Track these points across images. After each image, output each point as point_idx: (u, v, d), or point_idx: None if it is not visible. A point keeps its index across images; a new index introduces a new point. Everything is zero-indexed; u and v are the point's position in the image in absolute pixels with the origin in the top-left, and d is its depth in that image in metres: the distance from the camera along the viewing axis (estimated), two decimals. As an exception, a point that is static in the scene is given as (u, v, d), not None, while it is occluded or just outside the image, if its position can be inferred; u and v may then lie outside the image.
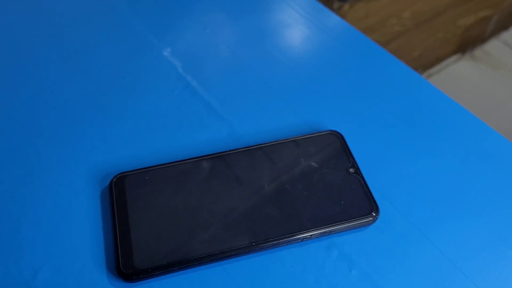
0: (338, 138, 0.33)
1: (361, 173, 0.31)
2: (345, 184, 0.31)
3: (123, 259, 0.27)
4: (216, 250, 0.27)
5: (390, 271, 0.28)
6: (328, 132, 0.33)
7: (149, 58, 0.40)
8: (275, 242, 0.28)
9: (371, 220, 0.29)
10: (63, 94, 0.37)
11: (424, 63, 1.33)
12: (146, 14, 0.44)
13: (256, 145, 0.33)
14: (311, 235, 0.28)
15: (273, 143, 0.33)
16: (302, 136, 0.33)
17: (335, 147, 0.33)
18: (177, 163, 0.31)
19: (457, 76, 1.37)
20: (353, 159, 0.32)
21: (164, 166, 0.31)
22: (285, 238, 0.28)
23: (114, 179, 0.30)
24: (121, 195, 0.29)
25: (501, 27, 1.47)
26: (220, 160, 0.32)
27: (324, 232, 0.29)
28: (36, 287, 0.27)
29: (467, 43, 1.40)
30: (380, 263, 0.28)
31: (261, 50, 0.41)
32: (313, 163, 0.32)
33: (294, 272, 0.28)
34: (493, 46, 1.45)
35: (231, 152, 0.32)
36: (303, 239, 0.29)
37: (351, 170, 0.31)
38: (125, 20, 0.43)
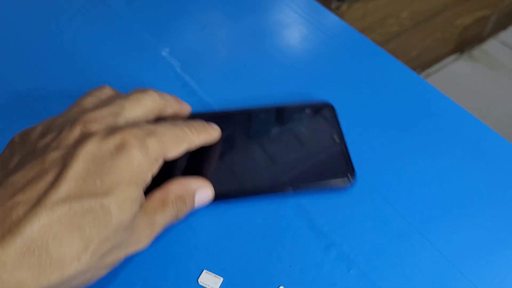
0: (328, 109, 0.35)
1: (344, 141, 0.33)
2: (328, 149, 0.33)
3: None
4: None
5: (388, 271, 0.28)
6: (320, 102, 0.36)
7: (148, 58, 0.40)
8: (261, 190, 0.31)
9: (347, 181, 0.31)
10: (62, 94, 0.37)
11: (422, 63, 1.33)
12: (144, 15, 0.44)
13: (249, 108, 0.35)
14: (292, 189, 0.31)
15: (266, 107, 0.35)
16: (295, 104, 0.35)
17: (324, 117, 0.35)
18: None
19: (455, 75, 1.37)
20: (339, 128, 0.34)
21: None
22: (271, 188, 0.31)
23: None
24: None
25: (499, 27, 1.47)
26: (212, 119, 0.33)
27: (301, 188, 0.31)
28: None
29: (465, 43, 1.41)
30: (379, 263, 0.29)
31: (259, 50, 0.41)
32: (301, 128, 0.34)
33: (293, 271, 0.28)
34: (491, 45, 1.46)
35: (226, 113, 0.34)
36: (285, 190, 0.31)
37: (336, 138, 0.33)
38: (123, 21, 0.43)
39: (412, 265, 0.28)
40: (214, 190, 0.29)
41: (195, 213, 0.30)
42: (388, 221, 0.30)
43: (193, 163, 0.31)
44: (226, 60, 0.40)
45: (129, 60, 0.40)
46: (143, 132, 0.24)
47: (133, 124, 0.25)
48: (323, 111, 0.35)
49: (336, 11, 0.89)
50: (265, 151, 0.32)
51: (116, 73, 0.39)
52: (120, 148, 0.23)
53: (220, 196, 0.30)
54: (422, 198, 0.32)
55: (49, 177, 0.22)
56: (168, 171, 0.29)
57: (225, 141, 0.32)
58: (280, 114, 0.35)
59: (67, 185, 0.21)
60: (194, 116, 0.32)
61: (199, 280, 0.28)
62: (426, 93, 0.38)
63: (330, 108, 0.35)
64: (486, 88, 1.33)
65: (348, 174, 0.31)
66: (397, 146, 0.34)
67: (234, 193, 0.31)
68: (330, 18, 0.45)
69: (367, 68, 0.40)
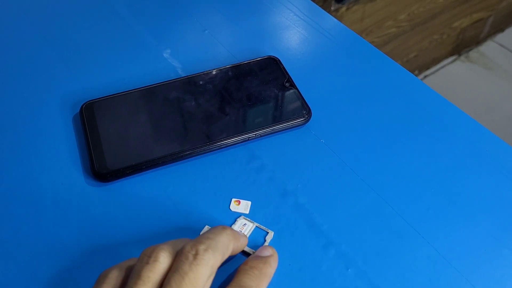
0: (275, 61, 0.39)
1: (295, 86, 0.37)
2: (282, 94, 0.37)
3: (97, 163, 0.32)
4: (176, 150, 0.33)
5: (386, 270, 0.29)
6: (266, 57, 0.40)
7: (149, 59, 0.40)
8: (226, 141, 0.34)
9: (304, 120, 0.35)
10: (63, 95, 0.37)
11: (420, 65, 1.34)
12: (145, 17, 0.44)
13: (205, 71, 0.38)
14: (255, 134, 0.34)
15: (220, 68, 0.39)
16: (244, 61, 0.39)
17: (273, 68, 0.39)
18: (135, 90, 0.37)
19: (453, 77, 1.38)
20: (288, 75, 0.38)
21: (124, 93, 0.37)
22: (234, 137, 0.34)
23: (84, 105, 0.35)
24: (91, 116, 0.35)
25: (496, 29, 1.48)
26: (175, 83, 0.37)
27: (266, 132, 0.34)
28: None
29: (462, 45, 1.41)
30: (377, 262, 0.29)
31: (259, 52, 0.41)
32: (254, 80, 0.38)
33: (292, 270, 0.28)
34: (488, 47, 1.46)
35: (184, 78, 0.38)
36: (249, 138, 0.34)
37: (287, 84, 0.37)
38: (125, 22, 0.44)
39: (410, 264, 0.29)
40: (188, 147, 0.33)
41: (198, 210, 0.31)
42: (386, 220, 0.31)
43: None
44: (227, 62, 0.40)
45: (131, 61, 0.40)
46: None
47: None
48: (270, 64, 0.39)
49: (335, 13, 0.90)
50: (229, 106, 0.36)
51: (118, 74, 0.39)
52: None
53: (195, 150, 0.33)
54: (420, 197, 0.32)
55: None
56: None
57: (193, 103, 0.36)
58: (233, 72, 0.38)
59: None
60: (167, 84, 0.37)
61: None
62: (423, 94, 0.39)
63: (276, 59, 0.39)
64: (483, 89, 1.34)
65: (304, 113, 0.35)
66: (395, 147, 0.35)
67: (206, 145, 0.33)
68: (329, 20, 0.45)
69: (365, 70, 0.40)
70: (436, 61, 1.38)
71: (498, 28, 1.48)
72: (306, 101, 0.36)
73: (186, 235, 0.30)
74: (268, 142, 0.35)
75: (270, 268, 0.27)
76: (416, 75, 1.17)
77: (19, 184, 0.32)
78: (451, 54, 1.41)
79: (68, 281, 0.28)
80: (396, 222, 0.31)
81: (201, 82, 0.37)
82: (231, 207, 0.31)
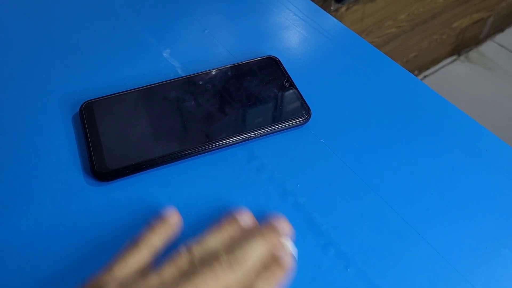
0: (275, 61, 0.39)
1: (295, 86, 0.37)
2: (282, 94, 0.37)
3: (97, 163, 0.32)
4: (176, 150, 0.33)
5: (386, 270, 0.29)
6: (266, 57, 0.40)
7: (149, 59, 0.40)
8: (226, 141, 0.34)
9: (303, 120, 0.35)
10: (63, 95, 0.37)
11: (420, 65, 1.34)
12: (145, 16, 0.44)
13: (205, 71, 0.38)
14: (255, 134, 0.34)
15: (219, 68, 0.39)
16: (244, 61, 0.39)
17: (273, 68, 0.39)
18: (135, 89, 0.37)
19: (453, 77, 1.38)
20: (288, 75, 0.38)
21: (123, 92, 0.37)
22: (234, 137, 0.34)
23: (83, 105, 0.35)
24: (91, 116, 0.35)
25: (496, 29, 1.48)
26: (175, 83, 0.37)
27: (266, 131, 0.34)
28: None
29: (462, 45, 1.41)
30: (376, 262, 0.29)
31: (259, 52, 0.41)
32: (254, 80, 0.38)
33: (292, 270, 0.28)
34: (488, 47, 1.46)
35: (184, 77, 0.38)
36: (248, 137, 0.34)
37: (287, 84, 0.37)
38: (125, 22, 0.44)
39: (409, 264, 0.29)
40: (187, 146, 0.33)
41: (197, 208, 0.31)
42: (385, 220, 0.31)
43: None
44: (226, 62, 0.40)
45: (131, 61, 0.40)
46: None
47: None
48: (270, 64, 0.39)
49: (334, 13, 0.90)
50: (228, 105, 0.36)
51: (118, 74, 0.39)
52: None
53: (195, 150, 0.33)
54: (419, 197, 0.32)
55: None
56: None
57: (192, 102, 0.36)
58: (233, 72, 0.38)
59: None
60: (166, 84, 0.37)
61: None
62: (423, 94, 0.39)
63: (276, 59, 0.39)
64: (483, 89, 1.34)
65: (304, 113, 0.35)
66: (395, 147, 0.35)
67: (205, 145, 0.33)
68: (329, 20, 0.45)
69: (365, 70, 0.40)
70: (436, 61, 1.38)
71: (498, 28, 1.48)
72: (306, 101, 0.36)
73: (186, 235, 0.30)
74: (267, 142, 0.35)
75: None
76: (416, 75, 1.17)
77: (19, 184, 0.32)
78: (451, 54, 1.41)
79: (67, 280, 0.28)
80: (396, 222, 0.31)
81: (200, 82, 0.37)
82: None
